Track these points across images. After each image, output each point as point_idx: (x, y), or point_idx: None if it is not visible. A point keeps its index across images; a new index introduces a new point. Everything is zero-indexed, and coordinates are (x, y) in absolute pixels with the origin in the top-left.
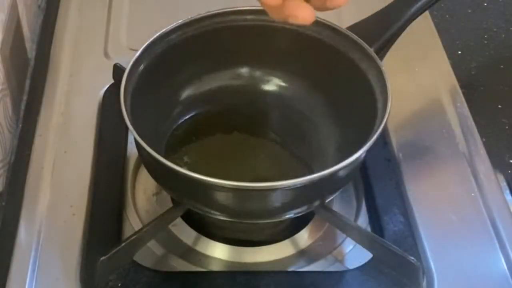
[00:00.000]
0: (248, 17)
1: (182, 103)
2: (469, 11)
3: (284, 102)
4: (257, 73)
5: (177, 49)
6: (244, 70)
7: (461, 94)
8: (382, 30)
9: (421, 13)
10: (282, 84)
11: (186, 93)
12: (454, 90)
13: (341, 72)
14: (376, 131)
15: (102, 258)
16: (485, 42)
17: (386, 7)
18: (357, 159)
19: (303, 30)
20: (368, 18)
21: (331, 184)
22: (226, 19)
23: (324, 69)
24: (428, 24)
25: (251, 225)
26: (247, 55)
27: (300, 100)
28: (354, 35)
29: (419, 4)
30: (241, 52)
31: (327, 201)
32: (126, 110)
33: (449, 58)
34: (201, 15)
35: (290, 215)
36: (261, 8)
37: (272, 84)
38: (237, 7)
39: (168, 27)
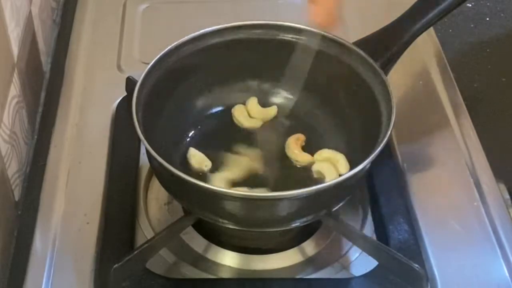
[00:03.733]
0: (257, 31)
1: (193, 114)
2: (472, 25)
3: (292, 114)
4: (266, 86)
5: (188, 62)
6: (253, 83)
7: (464, 106)
8: (387, 45)
9: (426, 29)
10: (290, 96)
11: (197, 104)
12: (458, 102)
13: (347, 85)
14: (381, 142)
15: (115, 266)
16: (488, 55)
17: (391, 23)
18: (362, 169)
19: (311, 44)
20: (373, 33)
21: (338, 193)
22: (236, 33)
23: (330, 82)
24: (432, 38)
25: (260, 234)
26: (256, 68)
27: (307, 112)
28: (361, 50)
29: (423, 21)
30: (250, 65)
31: (333, 210)
32: (138, 121)
33: (452, 71)
34: (211, 29)
35: (297, 223)
36: (270, 22)
37: (280, 97)
38: (247, 22)
39: (179, 41)
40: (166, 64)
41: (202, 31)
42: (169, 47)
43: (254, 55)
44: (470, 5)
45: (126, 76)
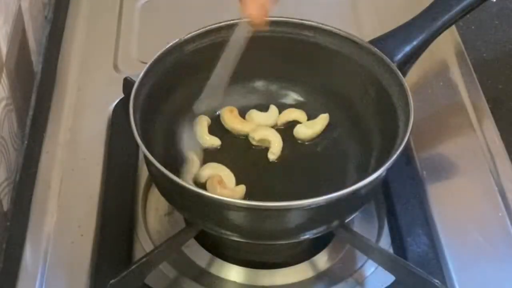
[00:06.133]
0: (266, 28)
1: (195, 117)
2: (496, 22)
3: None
4: (274, 87)
5: (189, 61)
6: (259, 84)
7: (488, 109)
8: (405, 44)
9: (448, 27)
10: (300, 99)
11: (199, 106)
12: (481, 105)
13: (362, 87)
14: (398, 148)
15: (111, 281)
16: None
17: (410, 20)
18: (377, 177)
19: (322, 42)
20: (391, 31)
21: (351, 203)
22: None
23: (344, 83)
24: (453, 36)
25: (267, 247)
26: (263, 68)
27: (318, 116)
28: (376, 49)
29: (445, 18)
30: (256, 64)
31: (347, 221)
32: (136, 125)
33: (475, 71)
34: (214, 26)
35: (308, 235)
36: (277, 19)
37: (289, 99)
38: None
39: (180, 38)
40: (166, 64)
41: (205, 28)
42: (169, 45)
43: (260, 53)
44: (494, 1)
45: (124, 76)
